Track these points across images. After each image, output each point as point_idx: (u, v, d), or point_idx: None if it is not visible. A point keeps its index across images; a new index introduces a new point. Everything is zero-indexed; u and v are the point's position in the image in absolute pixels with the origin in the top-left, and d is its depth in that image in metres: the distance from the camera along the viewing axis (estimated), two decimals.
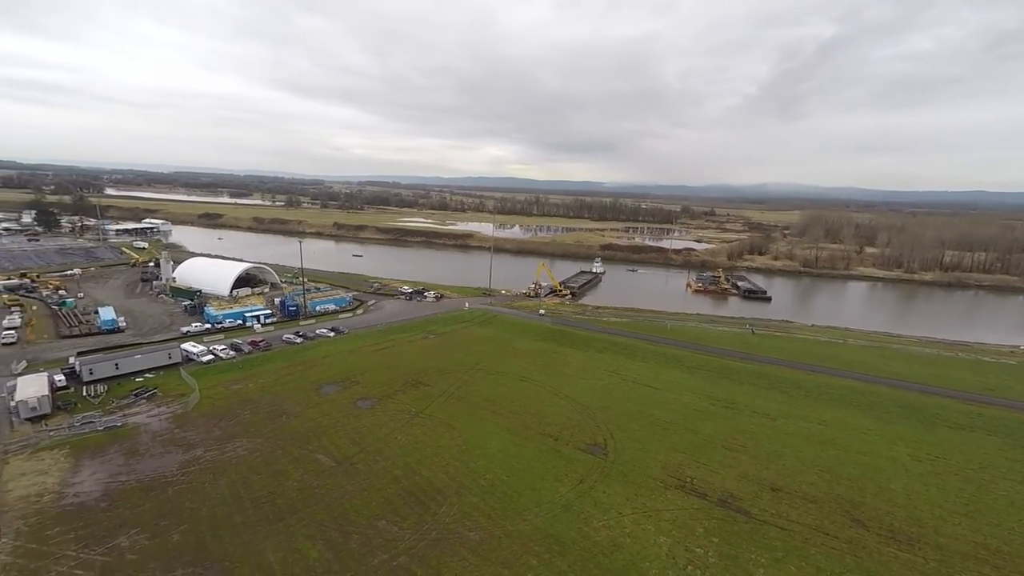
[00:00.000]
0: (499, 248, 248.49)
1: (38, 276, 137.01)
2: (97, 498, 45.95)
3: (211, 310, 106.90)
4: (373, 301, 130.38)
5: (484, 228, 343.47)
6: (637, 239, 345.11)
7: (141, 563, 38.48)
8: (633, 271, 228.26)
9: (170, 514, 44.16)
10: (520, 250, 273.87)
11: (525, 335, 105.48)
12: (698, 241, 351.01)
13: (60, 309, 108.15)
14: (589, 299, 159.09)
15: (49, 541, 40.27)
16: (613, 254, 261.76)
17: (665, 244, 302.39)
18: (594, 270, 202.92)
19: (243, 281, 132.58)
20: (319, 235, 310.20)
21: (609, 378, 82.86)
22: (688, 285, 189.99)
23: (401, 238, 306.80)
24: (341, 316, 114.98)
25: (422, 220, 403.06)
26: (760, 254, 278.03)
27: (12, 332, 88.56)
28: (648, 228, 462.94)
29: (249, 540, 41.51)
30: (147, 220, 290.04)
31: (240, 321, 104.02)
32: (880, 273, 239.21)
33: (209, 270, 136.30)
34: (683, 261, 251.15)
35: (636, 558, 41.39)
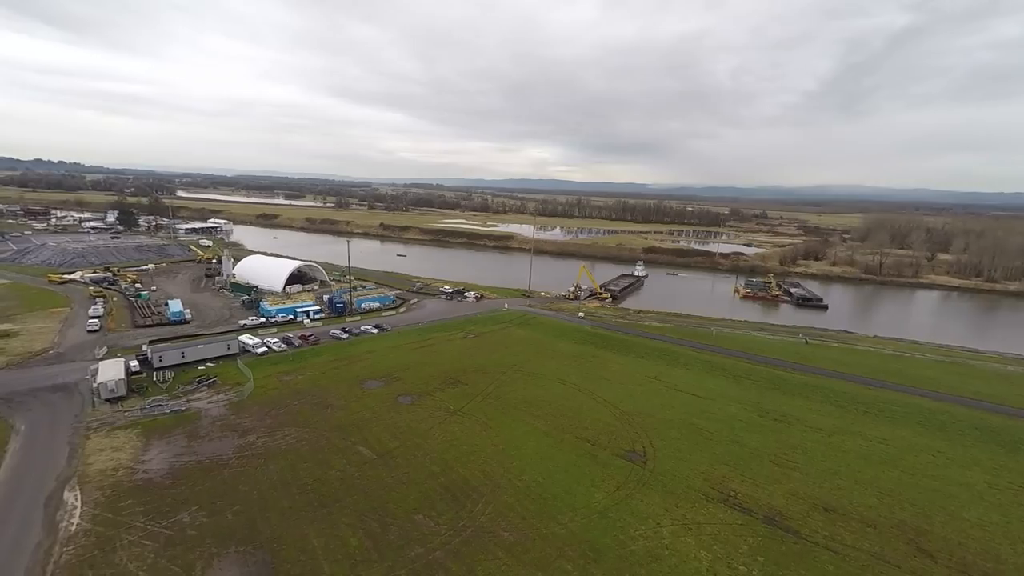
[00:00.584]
0: (539, 250, 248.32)
1: (118, 270, 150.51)
2: (163, 475, 49.82)
3: (266, 305, 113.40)
4: (415, 300, 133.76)
5: (525, 230, 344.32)
6: (682, 242, 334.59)
7: (199, 538, 41.35)
8: (673, 275, 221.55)
9: (225, 495, 47.20)
10: (561, 252, 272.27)
11: (564, 337, 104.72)
12: (747, 245, 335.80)
13: (136, 301, 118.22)
14: (630, 303, 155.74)
15: (122, 512, 44.10)
16: (656, 257, 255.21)
17: (712, 248, 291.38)
18: (636, 273, 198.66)
19: (295, 278, 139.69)
20: (366, 235, 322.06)
21: (650, 384, 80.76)
22: (736, 291, 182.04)
23: (443, 239, 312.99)
24: (385, 314, 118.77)
25: (464, 221, 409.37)
26: (816, 259, 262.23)
27: (96, 321, 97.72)
28: (694, 231, 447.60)
29: (295, 524, 43.64)
30: (212, 220, 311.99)
31: (292, 316, 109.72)
32: (955, 282, 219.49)
33: (265, 267, 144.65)
34: (731, 266, 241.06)
35: (675, 571, 40.05)
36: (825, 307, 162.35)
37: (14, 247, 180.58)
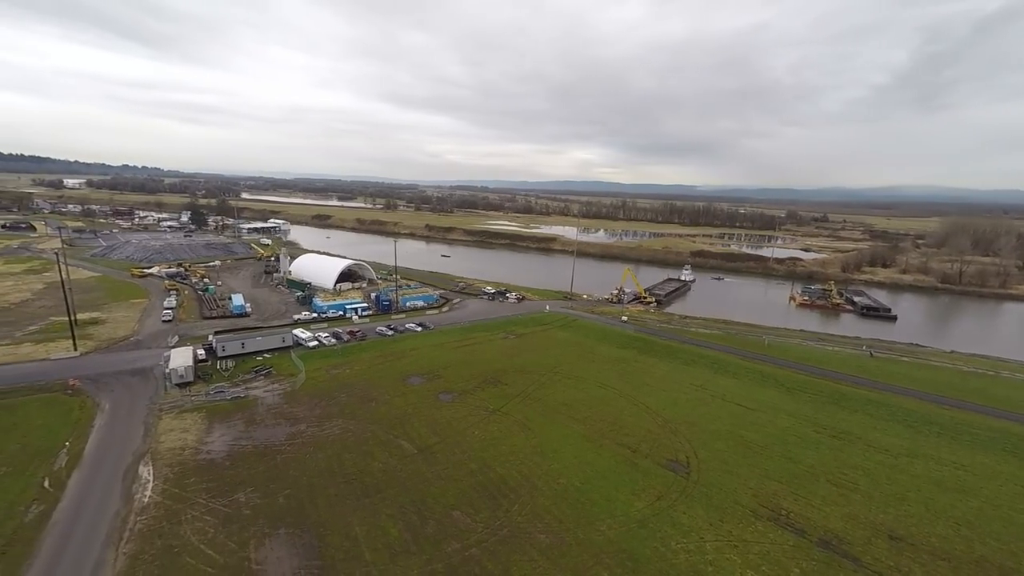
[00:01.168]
0: (582, 252, 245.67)
1: (190, 266, 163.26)
2: (223, 457, 53.46)
3: (318, 301, 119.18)
4: (458, 300, 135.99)
5: (568, 232, 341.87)
6: (733, 246, 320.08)
7: (253, 518, 44.00)
8: (718, 279, 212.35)
9: (278, 478, 49.97)
10: (604, 255, 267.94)
11: (606, 341, 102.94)
12: (805, 250, 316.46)
13: (204, 294, 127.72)
14: (676, 308, 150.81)
15: (187, 488, 47.72)
16: (705, 261, 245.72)
17: (765, 252, 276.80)
18: (683, 278, 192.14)
19: (345, 276, 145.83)
20: (412, 235, 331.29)
21: (695, 392, 77.79)
22: (792, 298, 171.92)
23: (486, 240, 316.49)
24: (428, 312, 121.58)
25: (507, 223, 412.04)
26: (884, 266, 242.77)
27: (169, 312, 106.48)
28: (746, 235, 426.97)
29: (340, 511, 45.51)
30: (271, 220, 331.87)
31: (341, 312, 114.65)
32: None
33: (318, 265, 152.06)
34: (786, 272, 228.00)
35: None
36: (893, 318, 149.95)
37: (104, 243, 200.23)
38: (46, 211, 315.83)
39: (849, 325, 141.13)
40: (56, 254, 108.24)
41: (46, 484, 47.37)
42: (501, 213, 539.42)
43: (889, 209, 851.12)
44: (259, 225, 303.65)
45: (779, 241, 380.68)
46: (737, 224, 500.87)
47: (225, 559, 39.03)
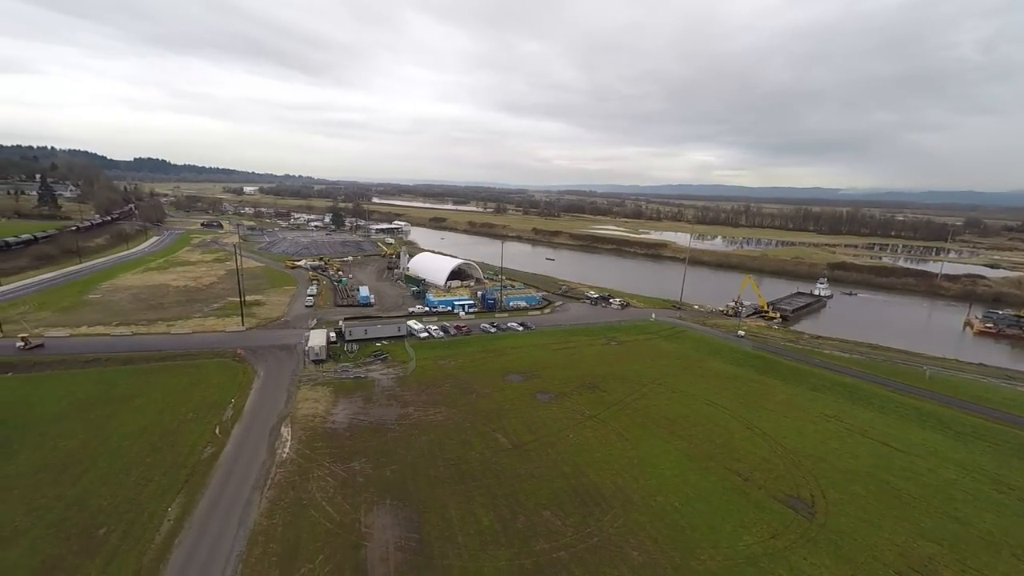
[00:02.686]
0: (695, 260, 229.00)
1: (328, 260, 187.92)
2: (344, 428, 60.32)
3: (430, 296, 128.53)
4: (560, 302, 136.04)
5: (680, 238, 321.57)
6: (885, 259, 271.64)
7: (365, 486, 48.88)
8: (850, 294, 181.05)
9: (387, 454, 54.85)
10: (721, 264, 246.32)
11: (718, 356, 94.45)
12: (991, 266, 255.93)
13: (338, 285, 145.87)
14: (806, 326, 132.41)
15: (316, 451, 54.79)
16: (847, 275, 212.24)
17: (932, 267, 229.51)
18: (816, 292, 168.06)
19: (455, 274, 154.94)
20: (519, 238, 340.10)
21: (826, 423, 67.53)
22: (968, 324, 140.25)
23: (592, 244, 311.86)
24: (530, 313, 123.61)
25: (615, 228, 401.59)
26: None
27: (311, 298, 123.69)
28: (904, 246, 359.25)
29: (438, 493, 48.39)
30: (395, 222, 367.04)
31: (450, 308, 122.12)
32: None
33: (431, 264, 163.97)
34: (961, 291, 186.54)
35: None
36: None
37: (267, 240, 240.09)
38: (230, 212, 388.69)
39: None
40: (234, 247, 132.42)
41: (216, 431, 58.11)
42: (608, 218, 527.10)
43: None
44: (385, 226, 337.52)
45: (952, 254, 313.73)
46: (892, 233, 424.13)
47: (341, 517, 43.99)
